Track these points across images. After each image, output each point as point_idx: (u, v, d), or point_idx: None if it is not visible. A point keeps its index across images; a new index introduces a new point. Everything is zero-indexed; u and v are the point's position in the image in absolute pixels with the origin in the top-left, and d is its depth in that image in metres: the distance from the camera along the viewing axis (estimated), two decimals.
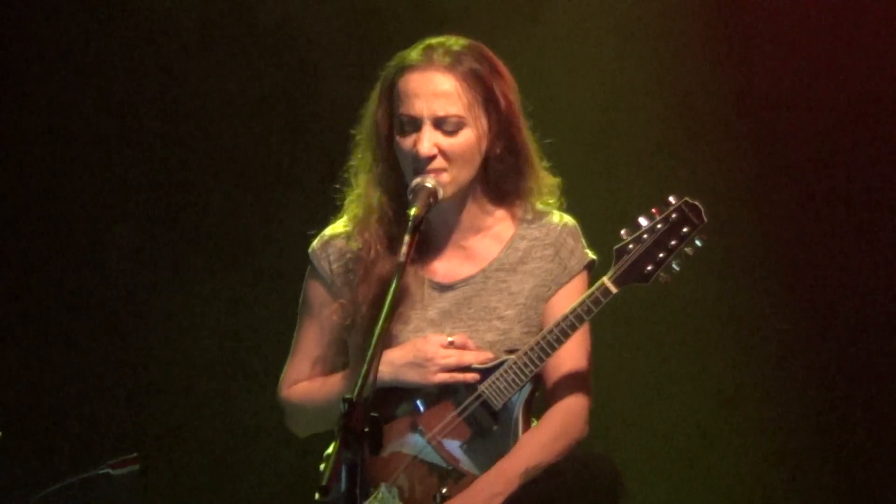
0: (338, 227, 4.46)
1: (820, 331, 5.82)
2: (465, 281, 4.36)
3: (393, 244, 4.32)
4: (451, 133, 4.25)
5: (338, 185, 4.45)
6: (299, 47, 6.10)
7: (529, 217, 4.40)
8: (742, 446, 5.85)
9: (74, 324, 6.13)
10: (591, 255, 4.42)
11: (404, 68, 4.30)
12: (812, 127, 5.80)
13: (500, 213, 4.40)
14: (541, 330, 4.29)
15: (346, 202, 4.44)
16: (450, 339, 4.27)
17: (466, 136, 4.27)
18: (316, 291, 4.45)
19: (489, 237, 4.40)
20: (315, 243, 4.47)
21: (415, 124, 4.25)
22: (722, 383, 5.87)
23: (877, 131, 5.75)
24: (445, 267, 4.38)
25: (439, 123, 4.25)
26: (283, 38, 6.10)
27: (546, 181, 4.40)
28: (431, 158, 4.23)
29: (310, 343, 4.46)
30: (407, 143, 4.26)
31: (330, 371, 4.45)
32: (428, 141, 4.23)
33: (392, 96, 4.31)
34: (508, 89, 4.33)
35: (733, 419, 5.86)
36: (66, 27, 6.14)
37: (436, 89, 4.25)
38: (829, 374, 5.81)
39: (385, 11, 6.01)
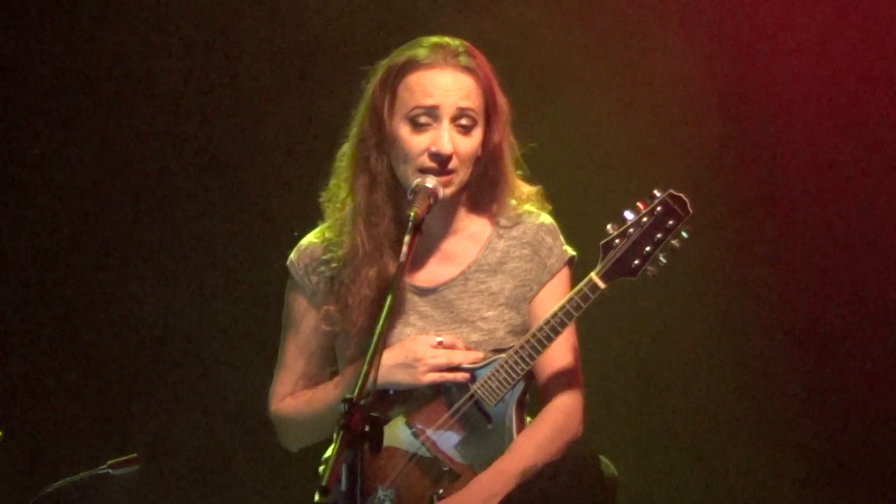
0: (314, 235, 4.42)
1: (813, 329, 5.83)
2: (446, 284, 4.34)
3: (380, 246, 4.27)
4: (466, 131, 4.20)
5: (321, 192, 4.41)
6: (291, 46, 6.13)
7: (506, 218, 4.36)
8: (738, 446, 5.87)
9: (74, 324, 6.13)
10: (571, 251, 4.40)
11: (418, 65, 4.21)
12: (801, 123, 5.80)
13: (476, 214, 4.37)
14: (525, 330, 4.27)
15: (327, 202, 4.38)
16: (438, 339, 4.25)
17: (476, 138, 4.24)
18: (297, 303, 4.41)
19: (466, 238, 4.37)
20: (292, 255, 4.42)
21: (432, 116, 4.19)
22: (714, 382, 5.87)
23: (870, 127, 5.75)
24: (425, 270, 4.35)
25: (457, 117, 4.19)
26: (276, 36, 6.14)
27: (521, 190, 4.37)
28: (449, 158, 4.18)
29: (295, 356, 4.41)
30: (421, 139, 4.20)
31: (317, 382, 4.41)
32: (449, 139, 4.18)
33: (398, 92, 4.22)
34: (503, 97, 4.30)
35: (727, 418, 5.87)
36: (63, 22, 6.16)
37: (457, 83, 4.19)
38: (825, 373, 5.83)
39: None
